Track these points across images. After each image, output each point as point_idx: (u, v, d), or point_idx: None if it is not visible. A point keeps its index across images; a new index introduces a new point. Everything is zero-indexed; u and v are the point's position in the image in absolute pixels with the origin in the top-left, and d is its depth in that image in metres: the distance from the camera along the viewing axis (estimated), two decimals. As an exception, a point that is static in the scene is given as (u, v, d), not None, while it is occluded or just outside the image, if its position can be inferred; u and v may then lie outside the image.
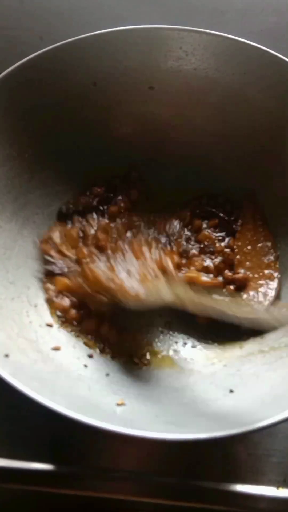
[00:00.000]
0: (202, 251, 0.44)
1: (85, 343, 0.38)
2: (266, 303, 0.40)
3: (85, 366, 0.36)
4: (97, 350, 0.38)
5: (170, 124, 0.46)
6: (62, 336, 0.38)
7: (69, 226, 0.44)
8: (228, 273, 0.43)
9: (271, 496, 0.37)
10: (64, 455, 0.38)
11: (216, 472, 0.38)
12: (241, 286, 0.42)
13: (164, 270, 0.39)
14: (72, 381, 0.34)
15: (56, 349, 0.36)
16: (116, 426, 0.27)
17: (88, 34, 0.42)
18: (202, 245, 0.45)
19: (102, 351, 0.38)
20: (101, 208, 0.45)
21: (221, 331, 0.40)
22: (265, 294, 0.40)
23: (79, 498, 0.39)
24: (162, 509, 0.39)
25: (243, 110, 0.44)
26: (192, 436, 0.27)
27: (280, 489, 0.37)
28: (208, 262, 0.43)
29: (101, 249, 0.41)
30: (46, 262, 0.41)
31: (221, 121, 0.45)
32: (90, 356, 0.37)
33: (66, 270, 0.40)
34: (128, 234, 0.43)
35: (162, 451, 0.39)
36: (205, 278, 0.41)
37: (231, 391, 0.34)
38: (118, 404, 0.32)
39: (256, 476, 0.38)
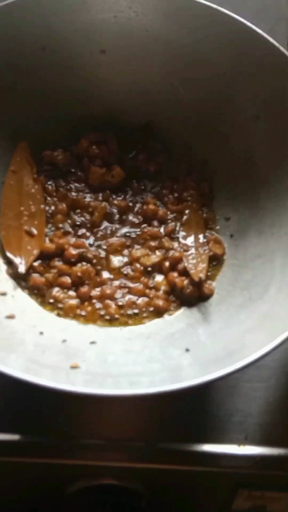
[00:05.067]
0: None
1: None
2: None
3: (41, 333, 0.36)
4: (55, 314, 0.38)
5: (123, 88, 0.45)
6: (17, 305, 0.37)
7: None
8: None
9: (234, 454, 0.38)
10: (30, 424, 0.38)
11: (181, 434, 0.39)
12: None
13: None
14: (26, 347, 0.33)
15: (11, 317, 0.36)
16: (62, 385, 0.27)
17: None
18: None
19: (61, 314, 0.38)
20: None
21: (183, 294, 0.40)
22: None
23: (47, 467, 0.39)
24: (130, 472, 0.40)
25: (196, 72, 0.44)
26: (140, 391, 0.27)
27: (241, 446, 0.38)
28: None
29: None
30: None
31: (175, 84, 0.44)
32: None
33: None
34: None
35: (130, 416, 0.39)
36: None
37: (187, 350, 0.34)
38: (72, 367, 0.32)
39: (219, 435, 0.39)
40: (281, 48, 0.41)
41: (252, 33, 0.41)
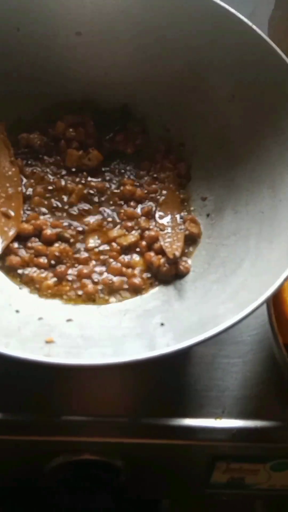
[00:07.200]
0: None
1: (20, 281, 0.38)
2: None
3: (17, 311, 0.36)
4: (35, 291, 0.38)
5: (99, 70, 0.45)
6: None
7: None
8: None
9: (211, 427, 0.39)
10: (11, 402, 0.38)
11: (160, 408, 0.39)
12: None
13: None
14: (1, 324, 0.34)
15: (-15, 296, 0.36)
16: (32, 355, 0.27)
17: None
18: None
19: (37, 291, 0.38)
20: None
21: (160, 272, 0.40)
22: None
23: (28, 444, 0.40)
24: (109, 447, 0.40)
25: (171, 53, 0.44)
26: (111, 361, 0.27)
27: (218, 419, 0.39)
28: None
29: None
30: None
31: (150, 64, 0.44)
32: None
33: None
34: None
35: (110, 392, 0.40)
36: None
37: (162, 324, 0.35)
38: (47, 342, 0.32)
39: (197, 409, 0.39)
40: (254, 27, 0.41)
41: (226, 13, 0.41)
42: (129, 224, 0.43)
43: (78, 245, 0.41)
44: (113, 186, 0.45)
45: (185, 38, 0.43)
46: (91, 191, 0.44)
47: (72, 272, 0.40)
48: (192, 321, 0.33)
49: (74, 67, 0.45)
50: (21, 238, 0.41)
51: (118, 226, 0.42)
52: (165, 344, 0.30)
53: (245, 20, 0.41)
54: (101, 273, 0.40)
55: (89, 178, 0.45)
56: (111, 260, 0.41)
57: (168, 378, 0.40)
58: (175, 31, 0.43)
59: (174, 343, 0.29)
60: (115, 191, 0.44)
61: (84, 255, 0.41)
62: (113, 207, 0.44)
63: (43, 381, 0.38)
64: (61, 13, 0.44)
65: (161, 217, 0.43)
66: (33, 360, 0.28)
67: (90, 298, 0.39)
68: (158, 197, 0.44)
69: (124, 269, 0.40)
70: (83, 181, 0.44)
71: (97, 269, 0.40)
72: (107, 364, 0.28)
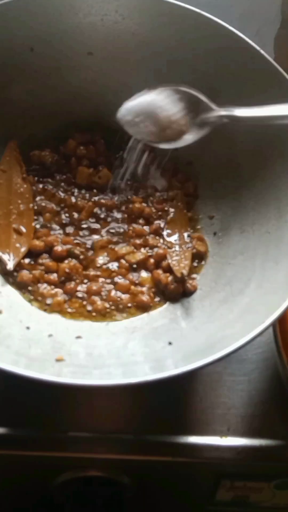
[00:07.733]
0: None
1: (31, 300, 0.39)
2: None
3: (28, 328, 0.37)
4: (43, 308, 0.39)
5: (110, 90, 0.46)
6: (4, 301, 0.38)
7: None
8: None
9: (216, 445, 0.39)
10: (17, 417, 0.39)
11: (166, 426, 0.40)
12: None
13: None
14: (13, 341, 0.34)
15: (-2, 312, 0.37)
16: (43, 375, 0.28)
17: (20, -3, 0.42)
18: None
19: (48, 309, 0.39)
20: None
21: (168, 290, 0.41)
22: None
23: (34, 459, 0.40)
24: (115, 464, 0.41)
25: (180, 73, 0.44)
26: (121, 381, 0.28)
27: (224, 437, 0.39)
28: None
29: None
30: None
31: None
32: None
33: None
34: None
35: (116, 409, 0.40)
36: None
37: (170, 343, 0.35)
38: (57, 360, 0.33)
39: (203, 427, 0.40)
40: (262, 51, 0.42)
41: (233, 36, 0.42)
42: (138, 241, 0.43)
43: (88, 262, 0.42)
44: (123, 204, 0.45)
45: (192, 59, 0.44)
46: (101, 208, 0.45)
47: (81, 288, 0.41)
48: (200, 341, 0.34)
49: (85, 86, 0.46)
50: (32, 254, 0.42)
51: (127, 244, 0.43)
52: (174, 365, 0.30)
53: (252, 43, 0.42)
54: (109, 290, 0.41)
55: (99, 196, 0.46)
56: (120, 277, 0.42)
57: (174, 396, 0.41)
58: (182, 52, 0.44)
59: (182, 364, 0.30)
60: (124, 208, 0.45)
61: (93, 272, 0.42)
62: (121, 225, 0.44)
63: (50, 397, 0.39)
64: (73, 34, 0.45)
65: (169, 235, 0.44)
66: (44, 380, 0.28)
67: (99, 315, 0.39)
68: (166, 215, 0.45)
69: (132, 286, 0.41)
70: (93, 199, 0.45)
71: (106, 286, 0.41)
72: (117, 385, 0.29)
